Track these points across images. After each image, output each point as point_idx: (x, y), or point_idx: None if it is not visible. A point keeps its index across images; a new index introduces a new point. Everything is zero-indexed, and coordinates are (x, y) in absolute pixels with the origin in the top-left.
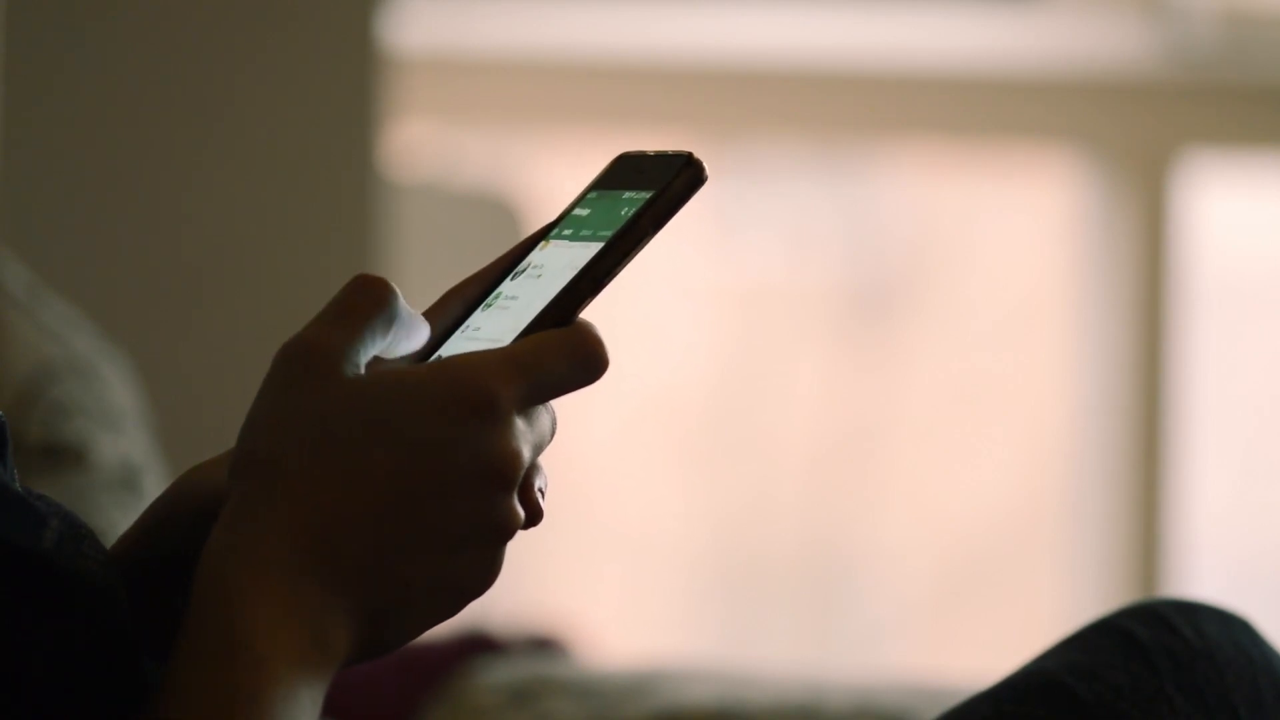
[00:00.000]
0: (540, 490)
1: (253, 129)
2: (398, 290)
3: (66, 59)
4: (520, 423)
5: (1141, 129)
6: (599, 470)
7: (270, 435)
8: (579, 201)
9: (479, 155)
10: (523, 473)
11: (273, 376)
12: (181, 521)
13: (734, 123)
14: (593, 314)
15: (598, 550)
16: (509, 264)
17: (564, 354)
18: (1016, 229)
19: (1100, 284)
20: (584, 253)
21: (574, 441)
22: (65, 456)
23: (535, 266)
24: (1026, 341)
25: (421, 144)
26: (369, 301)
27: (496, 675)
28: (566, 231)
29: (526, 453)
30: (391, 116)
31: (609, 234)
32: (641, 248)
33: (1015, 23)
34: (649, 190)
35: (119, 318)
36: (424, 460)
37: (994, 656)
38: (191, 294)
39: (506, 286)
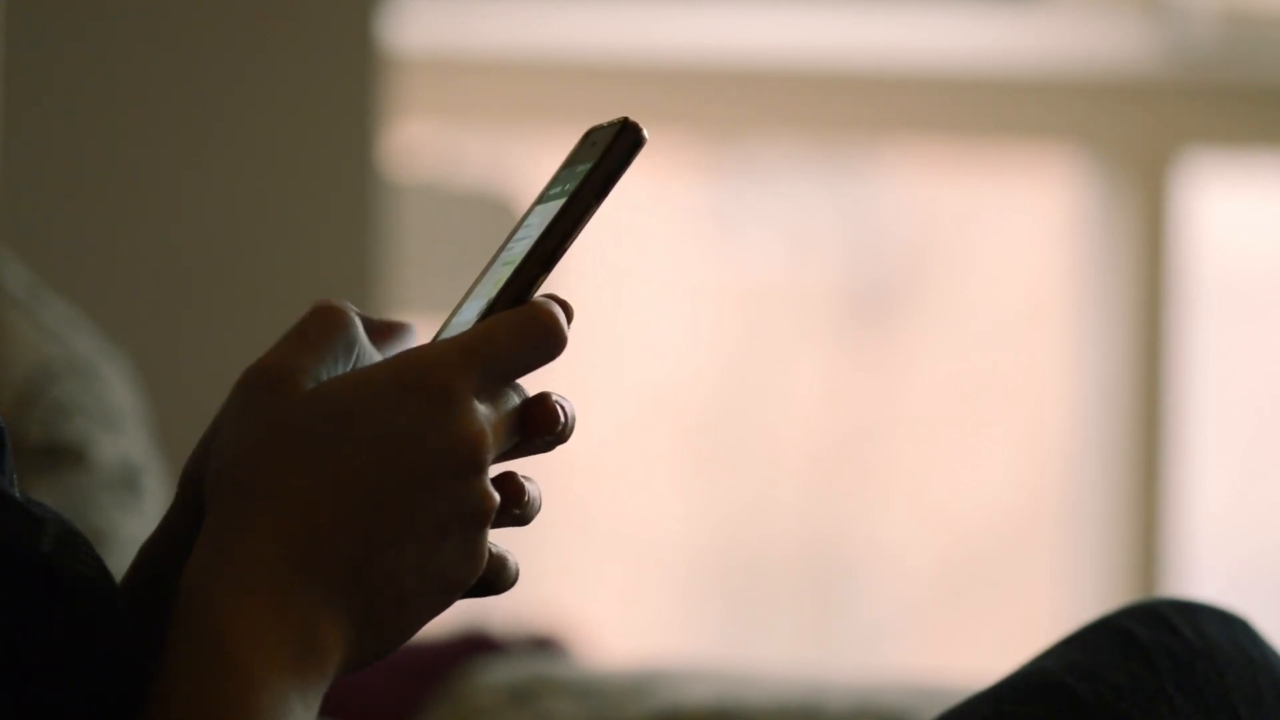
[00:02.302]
0: (523, 477)
1: (253, 129)
2: (355, 317)
3: (66, 59)
4: (481, 406)
5: (1141, 129)
6: (599, 470)
7: (240, 452)
8: (553, 181)
9: (479, 155)
10: (490, 454)
11: (234, 400)
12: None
13: (734, 123)
14: (591, 313)
15: (598, 550)
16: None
17: (515, 333)
18: (1016, 229)
19: (1100, 284)
20: (538, 231)
21: (574, 441)
22: (65, 456)
23: (508, 249)
24: (1027, 341)
25: (421, 144)
26: (327, 328)
27: (496, 675)
28: (537, 210)
29: (490, 434)
30: (391, 116)
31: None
32: (588, 219)
33: (1015, 23)
34: (592, 161)
35: (119, 318)
36: (389, 454)
37: (994, 656)
38: (192, 294)
39: (488, 272)
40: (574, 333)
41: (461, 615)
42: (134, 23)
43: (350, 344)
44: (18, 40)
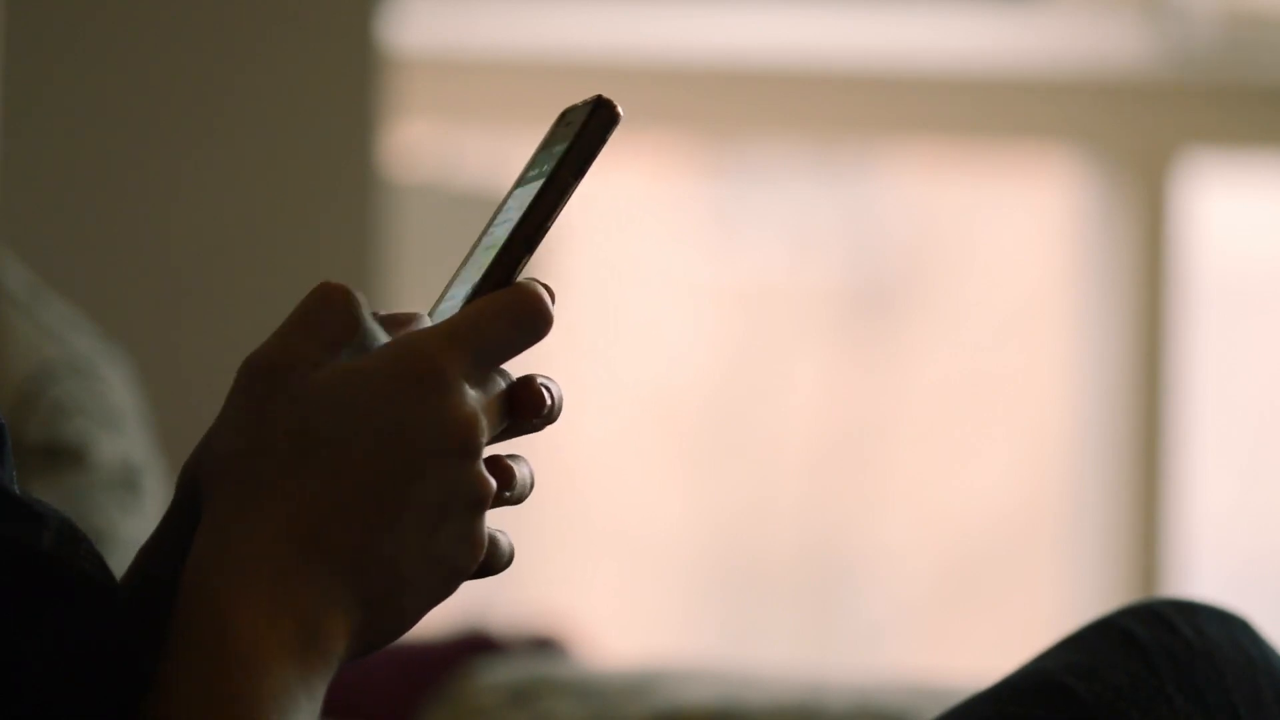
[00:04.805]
0: (510, 457)
1: (253, 129)
2: (361, 298)
3: (66, 59)
4: (472, 391)
5: (1141, 129)
6: (598, 470)
7: (240, 445)
8: (531, 164)
9: (479, 155)
10: (483, 438)
11: (238, 390)
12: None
13: (734, 123)
14: (592, 312)
15: (597, 550)
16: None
17: (502, 315)
18: (1016, 229)
19: (1100, 284)
20: (518, 214)
21: (573, 441)
22: (65, 456)
23: (489, 234)
24: (1027, 341)
25: (421, 144)
26: (329, 310)
27: (496, 675)
28: (516, 194)
29: (483, 417)
30: (391, 116)
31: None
32: (567, 198)
33: (1015, 23)
34: (568, 141)
35: (119, 318)
36: (383, 442)
37: (994, 656)
38: (192, 294)
39: (471, 257)
40: (574, 332)
41: (462, 615)
42: (133, 23)
43: (353, 323)
44: (18, 40)
